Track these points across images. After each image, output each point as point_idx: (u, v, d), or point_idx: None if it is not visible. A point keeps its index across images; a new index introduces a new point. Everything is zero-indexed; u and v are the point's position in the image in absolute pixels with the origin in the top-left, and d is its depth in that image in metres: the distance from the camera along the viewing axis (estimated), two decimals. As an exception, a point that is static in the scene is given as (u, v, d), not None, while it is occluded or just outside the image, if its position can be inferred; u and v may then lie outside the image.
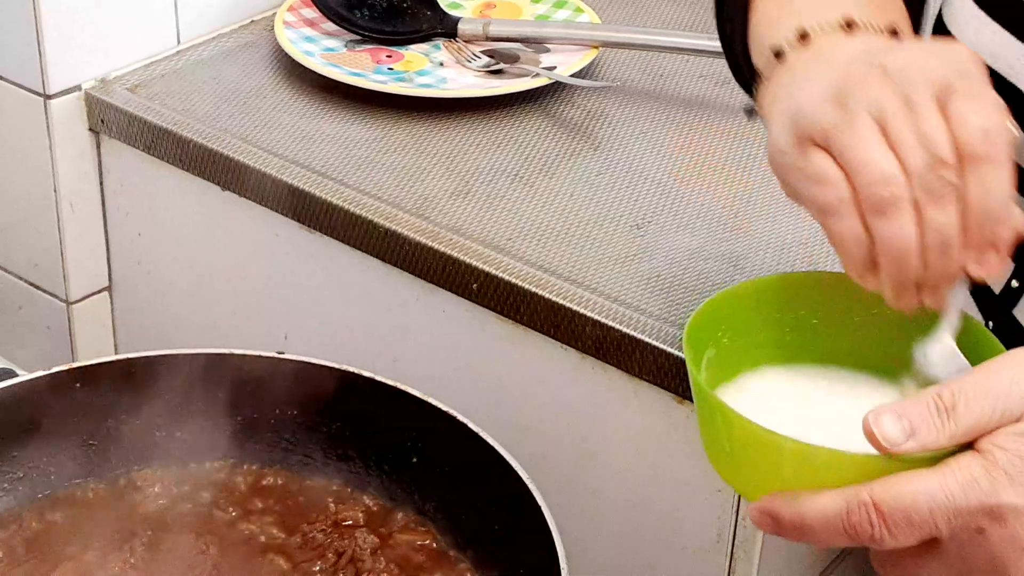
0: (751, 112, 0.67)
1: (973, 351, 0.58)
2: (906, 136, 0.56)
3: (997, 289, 0.67)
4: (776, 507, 0.54)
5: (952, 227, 0.56)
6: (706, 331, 0.62)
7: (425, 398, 0.77)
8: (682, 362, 0.82)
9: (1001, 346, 0.59)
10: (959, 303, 0.59)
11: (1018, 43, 0.64)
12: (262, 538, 0.75)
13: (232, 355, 0.80)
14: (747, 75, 0.68)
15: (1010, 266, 0.64)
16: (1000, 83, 0.62)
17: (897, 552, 0.53)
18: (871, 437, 0.52)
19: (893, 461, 0.52)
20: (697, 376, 0.59)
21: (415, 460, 0.77)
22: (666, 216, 0.94)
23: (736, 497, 0.84)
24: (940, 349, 0.58)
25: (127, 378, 0.79)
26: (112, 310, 1.12)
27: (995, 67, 0.63)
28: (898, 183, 0.55)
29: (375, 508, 0.77)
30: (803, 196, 0.59)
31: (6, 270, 1.14)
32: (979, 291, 0.68)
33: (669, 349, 0.83)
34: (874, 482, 0.52)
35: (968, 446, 0.52)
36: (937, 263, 0.56)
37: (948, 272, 0.57)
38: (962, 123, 0.55)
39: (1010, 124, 0.57)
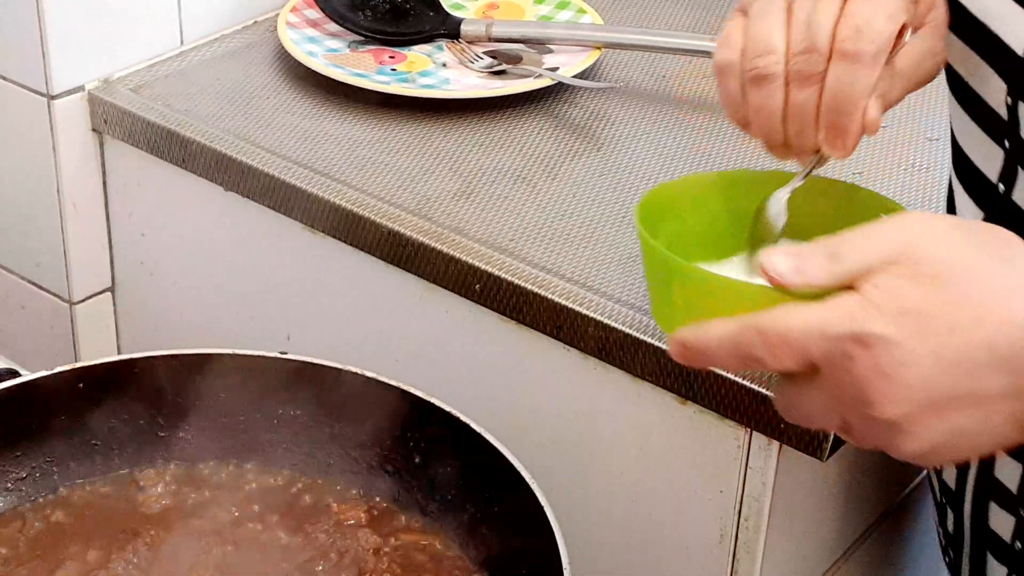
0: None
1: (875, 215, 0.66)
2: (799, 22, 0.64)
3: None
4: (684, 335, 0.60)
5: (808, 107, 0.64)
6: (655, 211, 0.69)
7: (428, 398, 0.77)
8: (676, 367, 0.82)
9: (899, 209, 0.67)
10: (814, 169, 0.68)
11: None
12: (265, 538, 0.75)
13: (235, 355, 0.81)
14: None
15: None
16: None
17: (788, 388, 0.59)
18: (764, 272, 0.58)
19: (783, 294, 0.58)
20: (639, 225, 0.66)
21: (418, 460, 0.77)
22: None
23: (739, 496, 0.84)
24: (775, 201, 0.68)
25: (130, 378, 0.79)
26: (115, 310, 1.12)
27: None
28: (775, 60, 0.64)
29: (378, 508, 0.77)
30: None
31: (9, 270, 1.14)
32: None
33: (665, 350, 0.83)
34: (763, 311, 0.58)
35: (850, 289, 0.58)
36: (795, 135, 0.65)
37: (805, 144, 0.65)
38: (846, 19, 0.63)
39: (893, 30, 0.63)
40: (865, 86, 0.63)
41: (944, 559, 0.85)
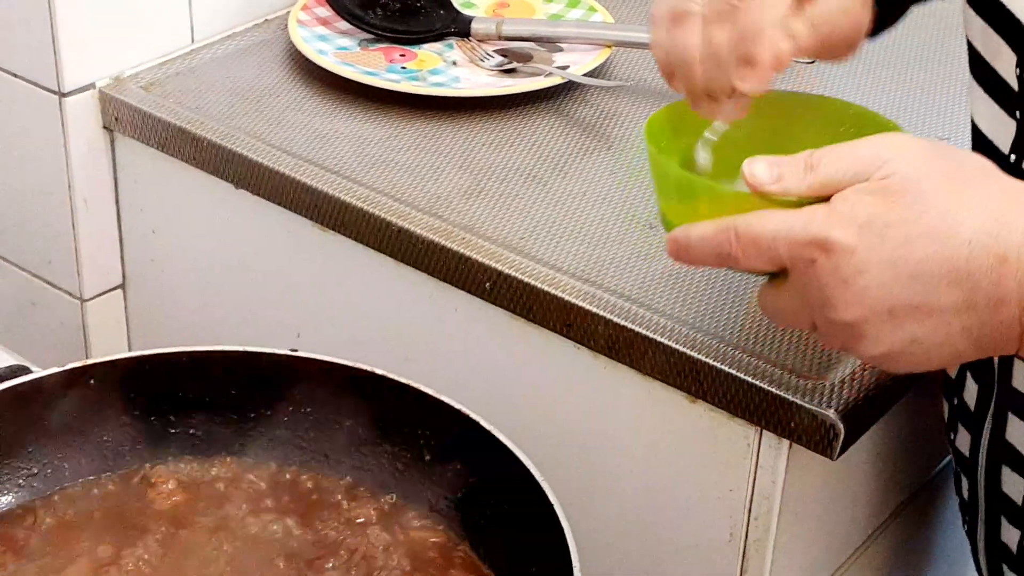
0: None
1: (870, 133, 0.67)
2: None
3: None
4: (675, 236, 0.65)
5: (723, 43, 0.68)
6: (667, 127, 0.72)
7: (437, 396, 0.77)
8: (695, 361, 0.82)
9: (892, 128, 0.70)
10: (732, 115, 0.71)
11: None
12: (275, 535, 0.75)
13: (246, 352, 0.81)
14: None
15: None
16: None
17: (766, 289, 0.64)
18: (745, 177, 0.63)
19: (761, 200, 0.62)
20: (646, 135, 0.70)
21: (428, 457, 0.77)
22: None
23: (749, 495, 0.84)
24: (700, 146, 0.71)
25: (140, 375, 0.79)
26: (126, 307, 1.12)
27: None
28: (695, 1, 0.68)
29: (387, 505, 0.77)
30: None
31: (20, 267, 1.14)
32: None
33: (682, 348, 0.83)
34: (740, 215, 0.62)
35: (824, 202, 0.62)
36: (712, 73, 0.68)
37: (722, 84, 0.68)
38: None
39: None
40: (773, 16, 0.67)
41: (963, 527, 0.86)
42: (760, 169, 0.62)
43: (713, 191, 0.66)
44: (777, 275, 0.63)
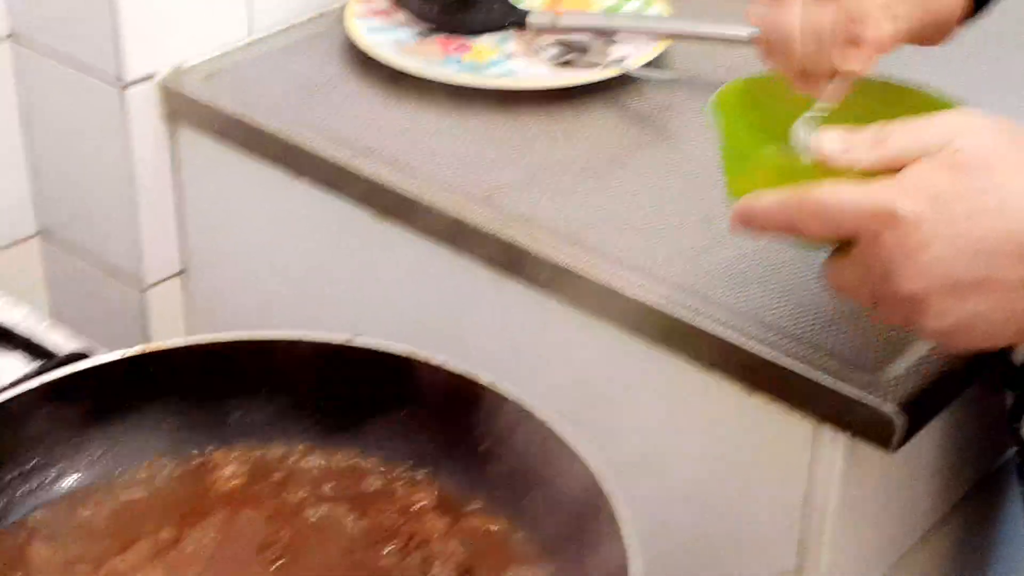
0: None
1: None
2: None
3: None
4: (741, 205, 0.66)
5: (826, 22, 0.69)
6: (732, 101, 0.74)
7: (495, 386, 0.77)
8: (752, 354, 0.82)
9: (952, 106, 0.71)
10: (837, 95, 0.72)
11: None
12: (333, 521, 0.75)
13: (304, 341, 0.81)
14: None
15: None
16: None
17: (832, 259, 0.65)
18: (814, 149, 0.64)
19: (829, 171, 0.63)
20: (717, 104, 0.71)
21: (484, 447, 0.77)
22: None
23: (807, 488, 0.84)
24: (802, 125, 0.71)
25: (201, 361, 0.80)
26: (185, 296, 1.13)
27: None
28: None
29: (445, 493, 0.77)
30: None
31: (83, 255, 1.15)
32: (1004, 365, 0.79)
33: (740, 341, 0.83)
34: (808, 184, 0.63)
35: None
36: (811, 52, 0.70)
37: (820, 64, 0.70)
38: None
39: None
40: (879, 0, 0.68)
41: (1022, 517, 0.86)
42: (830, 140, 0.63)
43: (782, 161, 0.67)
44: (842, 247, 0.64)
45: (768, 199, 0.65)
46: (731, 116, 0.71)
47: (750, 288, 0.87)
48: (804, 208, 0.63)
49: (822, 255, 0.70)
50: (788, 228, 0.64)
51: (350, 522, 0.76)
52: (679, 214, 0.93)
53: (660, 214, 0.93)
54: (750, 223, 0.66)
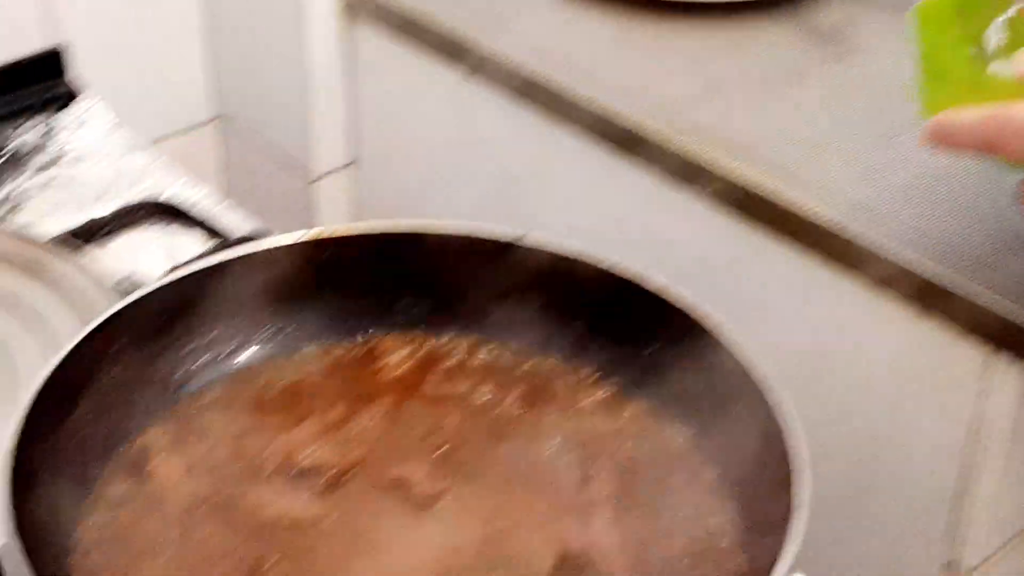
0: None
1: None
2: None
3: None
4: (939, 120, 0.66)
5: None
6: (933, 15, 0.71)
7: (666, 291, 0.76)
8: (926, 275, 0.80)
9: None
10: None
11: None
12: (497, 413, 0.76)
13: (473, 236, 0.81)
14: None
15: None
16: None
17: None
18: (1017, 65, 0.63)
19: None
20: (919, 17, 0.69)
21: (652, 350, 0.77)
22: (917, 129, 0.91)
23: (977, 417, 0.81)
24: (996, 29, 0.68)
25: (375, 249, 0.81)
26: (353, 187, 1.15)
27: None
28: None
29: (612, 393, 0.77)
30: None
31: (255, 144, 1.17)
32: None
33: (914, 261, 0.81)
34: (1009, 101, 0.63)
35: None
36: None
37: None
38: None
39: None
40: None
41: None
42: None
43: (983, 76, 0.66)
44: None
45: (970, 114, 0.64)
46: (932, 28, 0.69)
47: (928, 210, 0.84)
48: (1009, 125, 0.62)
49: (1017, 176, 0.68)
50: (988, 146, 0.63)
51: (513, 416, 0.76)
52: (858, 132, 0.91)
53: (837, 131, 0.91)
54: (948, 139, 0.65)
